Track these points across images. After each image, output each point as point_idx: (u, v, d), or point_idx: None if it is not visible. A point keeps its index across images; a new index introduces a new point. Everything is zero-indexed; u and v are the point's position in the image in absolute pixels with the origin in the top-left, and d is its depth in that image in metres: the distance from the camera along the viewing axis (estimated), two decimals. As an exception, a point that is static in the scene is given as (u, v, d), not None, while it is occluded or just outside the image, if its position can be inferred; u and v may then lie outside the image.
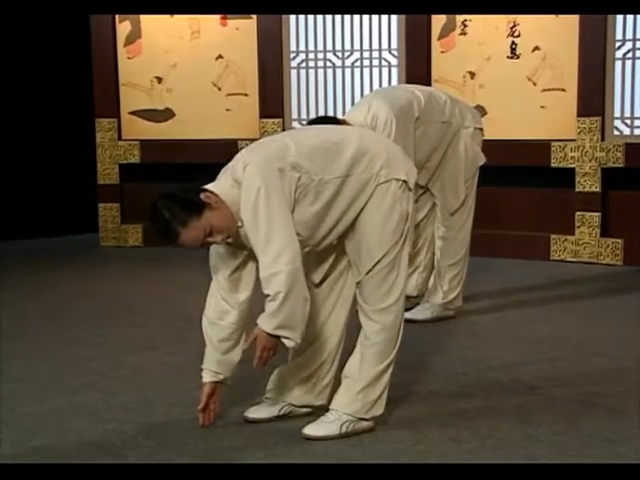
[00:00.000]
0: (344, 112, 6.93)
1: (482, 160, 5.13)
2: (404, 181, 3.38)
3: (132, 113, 7.41)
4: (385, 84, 6.96)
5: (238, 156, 3.36)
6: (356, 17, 7.02)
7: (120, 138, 7.42)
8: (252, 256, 3.31)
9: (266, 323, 3.20)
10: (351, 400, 3.44)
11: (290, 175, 3.22)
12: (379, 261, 3.35)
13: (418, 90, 5.02)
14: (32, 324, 5.17)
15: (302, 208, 3.27)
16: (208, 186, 3.27)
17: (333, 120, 4.66)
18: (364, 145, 3.38)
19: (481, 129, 5.14)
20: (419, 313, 5.08)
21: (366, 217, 3.35)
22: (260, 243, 3.17)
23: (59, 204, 7.70)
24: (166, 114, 7.34)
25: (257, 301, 3.37)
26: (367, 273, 3.38)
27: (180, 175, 7.24)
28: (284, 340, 3.23)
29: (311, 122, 4.84)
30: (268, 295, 3.17)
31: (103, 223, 7.53)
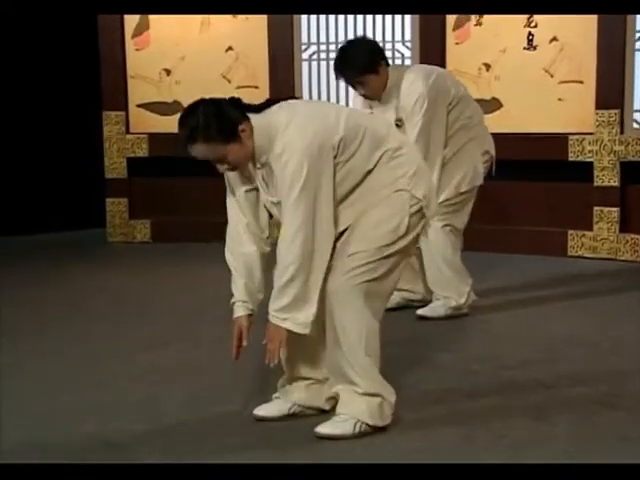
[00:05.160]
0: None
1: (480, 182, 5.00)
2: (420, 205, 3.34)
3: (140, 106, 7.30)
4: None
5: (290, 107, 3.29)
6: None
7: (128, 131, 7.31)
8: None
9: (273, 302, 3.20)
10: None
11: (327, 153, 3.20)
12: (352, 254, 3.28)
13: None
14: (40, 321, 5.10)
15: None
16: (252, 117, 3.22)
17: None
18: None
19: (491, 156, 5.03)
20: (432, 310, 4.98)
21: (368, 214, 3.30)
22: (288, 210, 3.17)
23: (65, 198, 7.61)
24: (175, 107, 7.21)
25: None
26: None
27: (189, 169, 7.16)
28: (292, 327, 3.21)
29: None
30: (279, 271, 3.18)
31: (111, 218, 7.43)
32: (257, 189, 3.36)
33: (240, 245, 3.39)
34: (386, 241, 3.31)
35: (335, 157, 3.23)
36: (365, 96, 4.82)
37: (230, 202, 3.41)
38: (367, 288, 3.31)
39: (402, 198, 3.33)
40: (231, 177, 3.37)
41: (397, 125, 4.73)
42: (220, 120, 3.16)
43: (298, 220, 3.17)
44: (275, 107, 3.30)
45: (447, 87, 4.88)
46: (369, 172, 3.32)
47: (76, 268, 6.52)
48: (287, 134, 3.19)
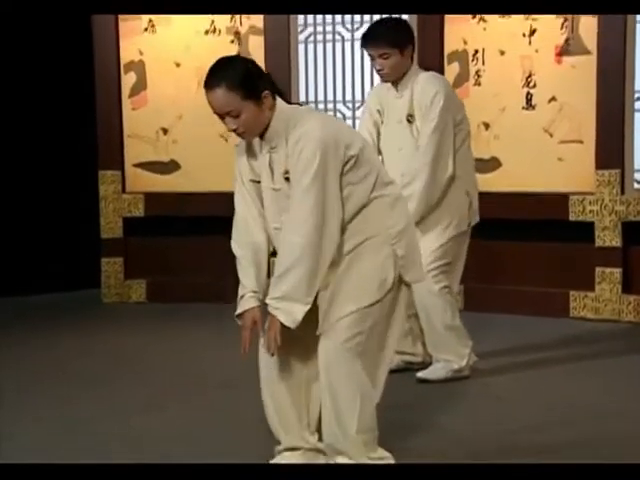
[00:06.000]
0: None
1: (464, 227, 4.92)
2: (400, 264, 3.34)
3: (136, 165, 7.26)
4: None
5: (318, 112, 3.50)
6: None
7: (124, 191, 7.26)
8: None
9: (272, 290, 3.19)
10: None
11: (339, 156, 3.24)
12: (342, 317, 3.23)
13: None
14: (32, 384, 5.00)
15: None
16: (279, 101, 3.30)
17: None
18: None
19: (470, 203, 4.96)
20: (433, 373, 4.89)
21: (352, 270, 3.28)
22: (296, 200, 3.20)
23: (60, 259, 7.50)
24: (171, 166, 7.19)
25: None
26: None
27: (185, 228, 7.18)
28: (283, 318, 3.17)
29: None
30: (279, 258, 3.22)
31: (106, 278, 7.34)
32: (260, 181, 3.36)
33: (248, 235, 3.37)
34: (373, 299, 3.28)
35: (342, 170, 3.24)
36: (381, 74, 4.81)
37: (240, 192, 3.42)
38: (362, 350, 3.26)
39: (386, 252, 3.31)
40: (242, 165, 3.39)
41: (408, 121, 4.75)
42: (248, 75, 3.23)
43: (309, 205, 3.18)
44: (304, 107, 3.42)
45: (458, 103, 4.89)
46: (364, 206, 3.30)
47: (70, 329, 6.41)
48: (307, 125, 3.23)
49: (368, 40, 4.78)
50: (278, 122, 3.27)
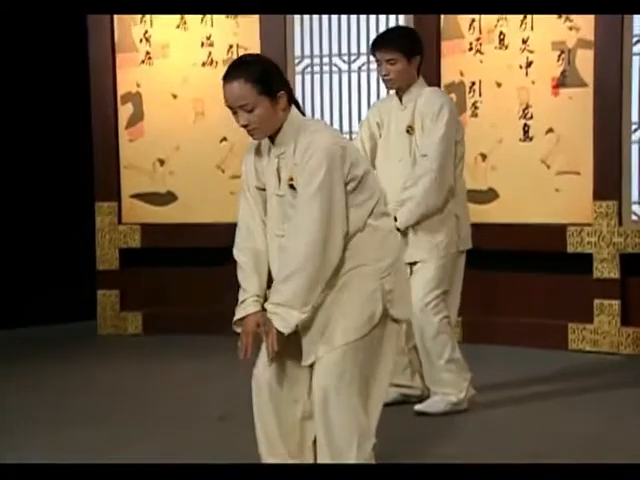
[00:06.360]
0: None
1: (454, 249, 4.88)
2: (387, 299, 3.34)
3: (133, 196, 7.24)
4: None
5: (324, 127, 3.38)
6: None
7: (120, 222, 7.23)
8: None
9: (272, 295, 3.22)
10: None
11: (343, 169, 3.25)
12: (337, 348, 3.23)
13: None
14: (26, 417, 4.95)
15: None
16: (293, 109, 3.31)
17: None
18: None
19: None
20: (431, 406, 4.83)
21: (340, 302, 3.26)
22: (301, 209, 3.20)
23: (55, 290, 7.45)
24: (168, 197, 7.18)
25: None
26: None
27: (182, 260, 7.15)
28: (277, 323, 3.15)
29: None
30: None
31: (101, 310, 7.29)
32: (264, 189, 3.36)
33: (250, 241, 3.37)
34: (361, 334, 3.27)
35: (346, 188, 3.24)
36: (386, 80, 4.83)
37: (244, 198, 3.41)
38: (357, 386, 3.24)
39: (375, 286, 3.29)
40: (248, 172, 3.39)
41: (407, 132, 4.77)
42: (267, 72, 3.26)
43: (314, 214, 3.18)
44: (317, 119, 3.59)
45: (459, 124, 4.92)
46: (358, 231, 3.28)
47: (65, 362, 6.35)
48: (317, 135, 3.26)
49: (377, 44, 4.83)
50: (290, 128, 3.28)
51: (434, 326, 4.76)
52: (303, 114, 3.37)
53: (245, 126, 3.24)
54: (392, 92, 4.99)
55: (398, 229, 4.51)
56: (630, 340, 6.22)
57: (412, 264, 4.77)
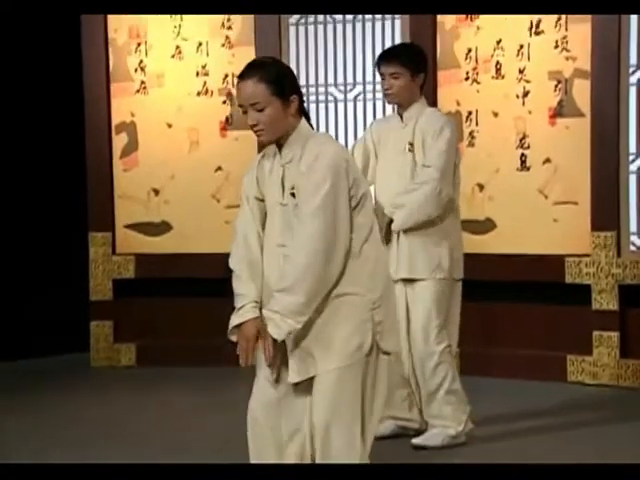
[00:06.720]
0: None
1: (442, 275, 4.81)
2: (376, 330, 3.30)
3: (127, 226, 7.19)
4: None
5: (331, 141, 3.40)
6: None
7: (114, 252, 7.18)
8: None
9: (270, 302, 3.20)
10: None
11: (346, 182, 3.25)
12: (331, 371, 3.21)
13: None
14: (19, 449, 4.86)
15: None
16: (303, 120, 3.32)
17: None
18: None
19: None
20: (429, 439, 4.76)
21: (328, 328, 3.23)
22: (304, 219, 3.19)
23: (48, 322, 7.38)
24: (163, 227, 7.13)
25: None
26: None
27: (176, 290, 7.08)
28: (270, 329, 3.15)
29: None
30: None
31: (95, 342, 7.22)
32: (263, 200, 3.35)
33: (247, 251, 3.35)
34: (349, 361, 3.24)
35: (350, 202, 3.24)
36: (387, 94, 4.82)
37: (243, 210, 3.40)
38: (356, 412, 3.22)
39: (365, 317, 3.26)
40: (248, 182, 3.38)
41: (408, 150, 4.76)
42: (282, 75, 3.28)
43: (317, 226, 3.17)
44: (325, 133, 3.56)
45: (458, 149, 4.94)
46: (353, 257, 3.25)
47: (57, 394, 6.29)
48: (323, 147, 3.26)
49: (383, 58, 4.84)
50: (298, 136, 3.28)
51: (436, 356, 4.72)
52: (312, 127, 3.37)
53: (254, 126, 3.24)
54: (391, 113, 4.97)
55: (390, 232, 4.63)
56: (630, 372, 6.16)
57: (407, 280, 4.74)
